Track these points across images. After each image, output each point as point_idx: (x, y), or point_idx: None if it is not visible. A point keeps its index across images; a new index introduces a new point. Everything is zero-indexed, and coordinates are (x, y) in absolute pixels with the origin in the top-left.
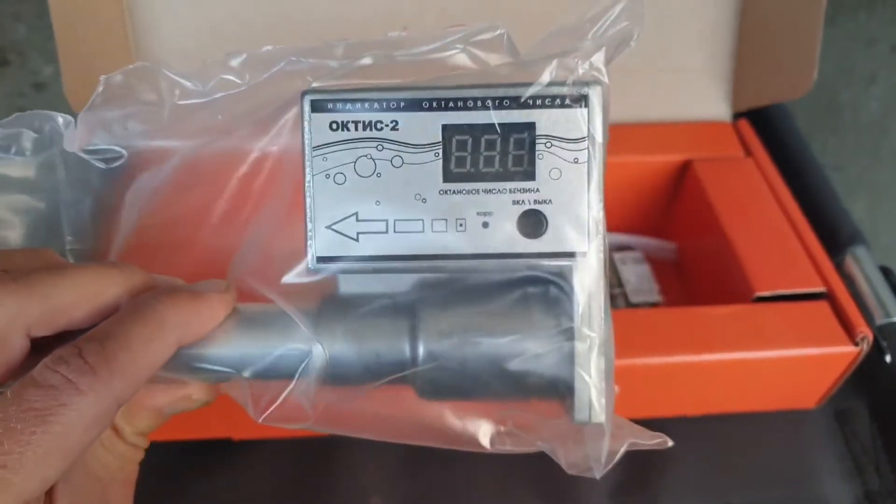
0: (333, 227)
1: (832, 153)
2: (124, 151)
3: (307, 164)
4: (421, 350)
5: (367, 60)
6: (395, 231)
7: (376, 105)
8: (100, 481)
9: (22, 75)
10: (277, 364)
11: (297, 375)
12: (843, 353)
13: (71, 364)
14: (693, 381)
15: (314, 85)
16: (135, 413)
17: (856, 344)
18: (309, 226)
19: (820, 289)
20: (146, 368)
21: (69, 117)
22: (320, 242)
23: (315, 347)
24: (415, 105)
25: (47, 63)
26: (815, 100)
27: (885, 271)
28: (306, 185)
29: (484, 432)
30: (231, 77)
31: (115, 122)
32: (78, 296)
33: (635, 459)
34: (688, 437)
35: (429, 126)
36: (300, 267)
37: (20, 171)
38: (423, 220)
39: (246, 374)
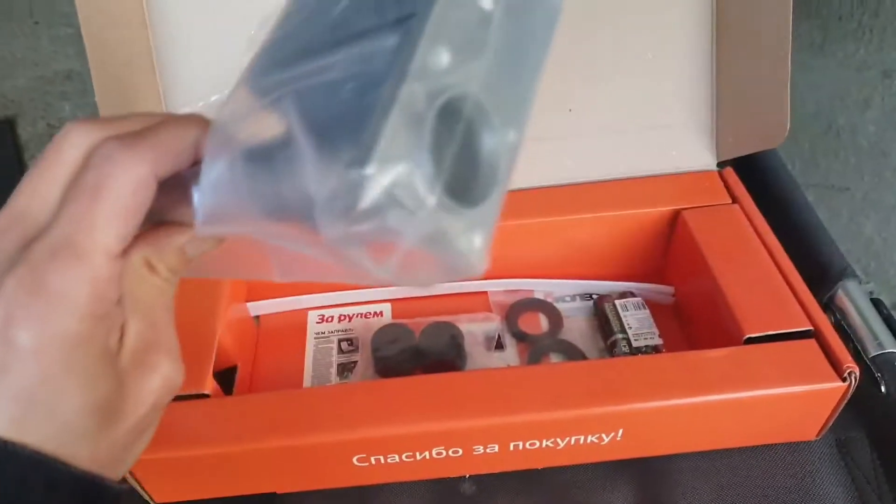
0: None
1: (837, 176)
2: None
3: None
4: None
5: None
6: None
7: None
8: (150, 308)
9: None
10: None
11: None
12: (831, 388)
13: (112, 146)
14: (693, 421)
15: None
16: (163, 252)
17: (843, 379)
18: None
19: (807, 327)
20: (172, 148)
21: None
22: None
23: None
24: None
25: None
26: (814, 125)
27: (876, 303)
28: None
29: None
30: None
31: None
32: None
33: (644, 494)
34: (694, 471)
35: None
36: None
37: None
38: None
39: None
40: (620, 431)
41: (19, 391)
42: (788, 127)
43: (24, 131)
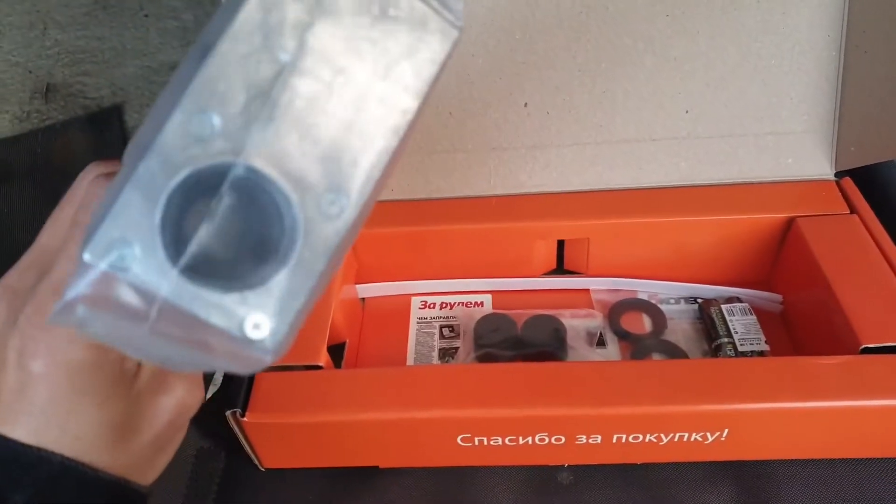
0: None
1: None
2: None
3: None
4: None
5: None
6: None
7: None
8: None
9: None
10: None
11: None
12: None
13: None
14: (802, 427)
15: None
16: None
17: None
18: None
19: None
20: None
21: None
22: None
23: None
24: None
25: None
26: None
27: None
28: None
29: None
30: None
31: None
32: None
33: (743, 499)
34: (797, 480)
35: None
36: None
37: None
38: None
39: None
40: (726, 431)
41: (34, 409)
42: None
43: (131, 118)
